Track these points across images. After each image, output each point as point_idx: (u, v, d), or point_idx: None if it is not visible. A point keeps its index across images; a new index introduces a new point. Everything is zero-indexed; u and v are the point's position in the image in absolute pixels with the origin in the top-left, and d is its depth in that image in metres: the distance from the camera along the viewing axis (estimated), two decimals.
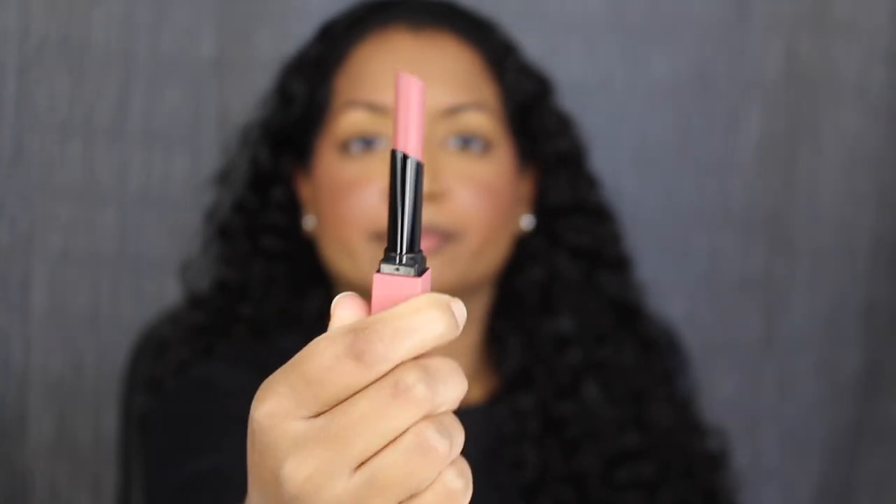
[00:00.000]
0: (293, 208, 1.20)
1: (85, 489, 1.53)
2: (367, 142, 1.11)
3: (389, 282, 0.53)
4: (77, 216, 1.50)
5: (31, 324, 1.50)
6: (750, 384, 1.62)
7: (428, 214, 1.06)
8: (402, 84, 0.53)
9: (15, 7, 1.46)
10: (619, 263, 1.23)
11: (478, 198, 1.10)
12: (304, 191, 1.19)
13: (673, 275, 1.58)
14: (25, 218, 1.50)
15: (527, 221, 1.19)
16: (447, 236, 1.10)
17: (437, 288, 0.57)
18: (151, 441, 1.13)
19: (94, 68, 1.49)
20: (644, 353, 1.22)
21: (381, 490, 0.52)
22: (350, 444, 0.52)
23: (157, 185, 1.51)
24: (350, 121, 1.12)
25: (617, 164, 1.54)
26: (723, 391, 1.60)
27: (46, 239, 1.50)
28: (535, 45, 1.32)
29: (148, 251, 1.52)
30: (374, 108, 1.11)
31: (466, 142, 1.12)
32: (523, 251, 1.19)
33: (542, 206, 1.20)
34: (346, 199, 1.10)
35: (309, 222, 1.18)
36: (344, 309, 0.54)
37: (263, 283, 1.20)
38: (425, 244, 0.95)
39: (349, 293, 0.55)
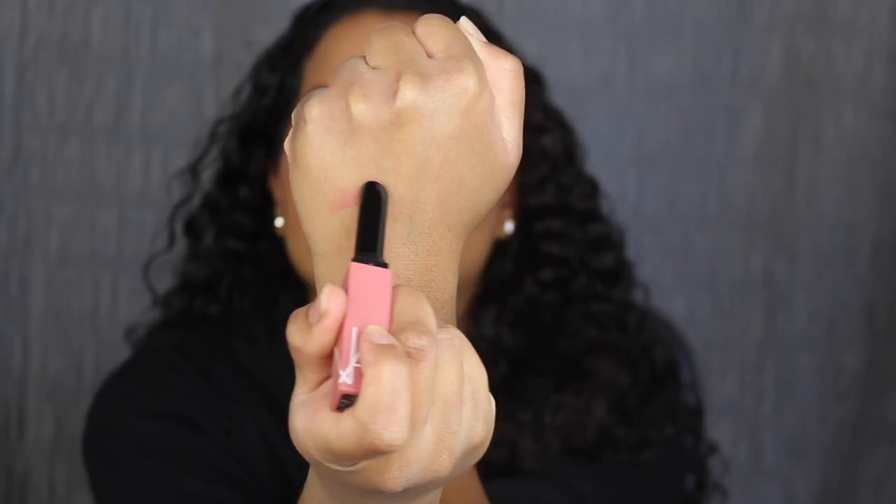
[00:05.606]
0: (264, 207, 1.15)
1: (84, 489, 1.52)
2: None
3: (364, 270, 0.57)
4: (76, 216, 1.50)
5: (31, 324, 1.50)
6: (750, 384, 1.62)
7: None
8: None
9: (14, 7, 1.46)
10: (609, 273, 1.18)
11: None
12: (277, 189, 1.14)
13: (673, 275, 1.58)
14: (24, 218, 1.49)
15: (510, 227, 1.13)
16: None
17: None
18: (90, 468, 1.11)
19: (92, 68, 1.49)
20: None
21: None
22: None
23: (156, 185, 1.51)
24: None
25: (617, 164, 1.54)
26: (723, 391, 1.60)
27: (45, 239, 1.50)
28: (535, 46, 1.32)
29: (147, 251, 1.51)
30: None
31: None
32: (499, 249, 1.14)
33: (521, 206, 1.14)
34: None
35: (280, 222, 1.13)
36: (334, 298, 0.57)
37: (231, 283, 1.15)
38: None
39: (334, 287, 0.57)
